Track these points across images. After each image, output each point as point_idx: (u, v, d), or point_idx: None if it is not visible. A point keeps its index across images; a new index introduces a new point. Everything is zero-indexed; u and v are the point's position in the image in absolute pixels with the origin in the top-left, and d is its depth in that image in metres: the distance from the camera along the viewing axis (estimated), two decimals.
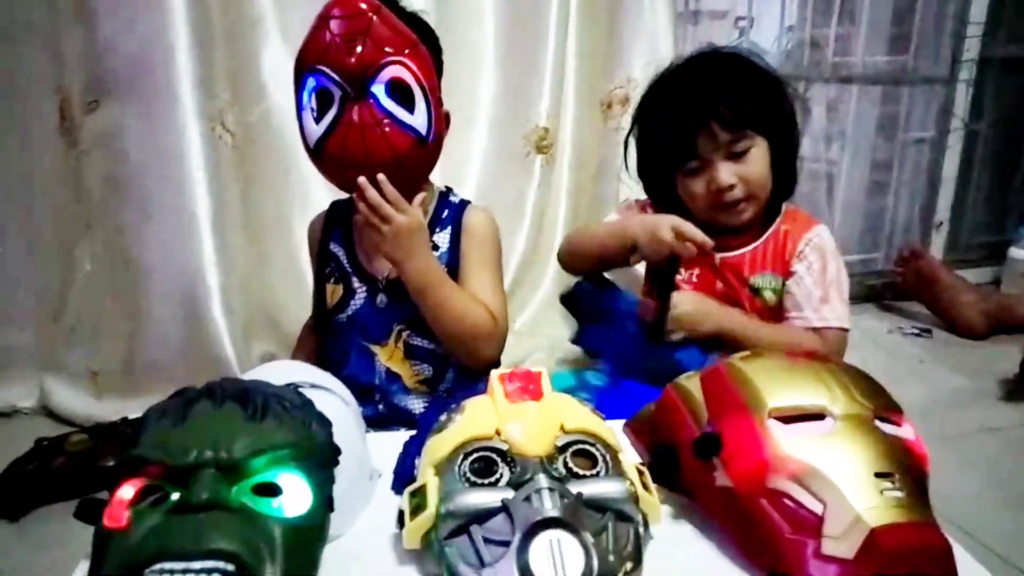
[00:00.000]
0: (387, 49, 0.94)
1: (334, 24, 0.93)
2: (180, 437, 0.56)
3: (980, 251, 2.61)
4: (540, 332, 1.92)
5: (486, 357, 1.07)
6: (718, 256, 1.13)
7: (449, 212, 1.10)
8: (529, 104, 1.86)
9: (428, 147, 0.99)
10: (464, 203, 1.13)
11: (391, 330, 1.08)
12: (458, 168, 1.81)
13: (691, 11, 2.13)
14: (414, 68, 0.96)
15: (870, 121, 2.41)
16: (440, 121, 1.00)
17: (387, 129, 0.95)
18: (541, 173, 1.90)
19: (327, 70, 0.95)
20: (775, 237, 1.14)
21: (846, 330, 1.11)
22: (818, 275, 1.11)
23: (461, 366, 1.11)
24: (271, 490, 0.55)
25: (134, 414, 1.46)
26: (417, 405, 1.10)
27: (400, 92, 0.96)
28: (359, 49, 0.93)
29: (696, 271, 1.15)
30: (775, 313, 1.13)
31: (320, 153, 0.98)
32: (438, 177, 1.14)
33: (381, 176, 0.95)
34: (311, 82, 0.96)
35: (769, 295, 1.13)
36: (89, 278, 1.65)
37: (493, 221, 1.13)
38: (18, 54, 1.58)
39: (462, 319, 1.03)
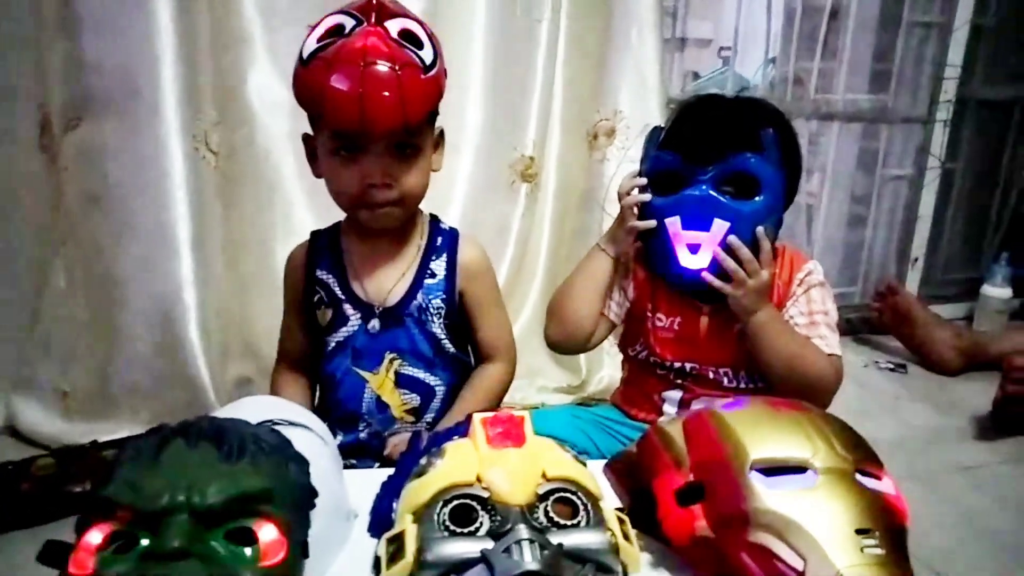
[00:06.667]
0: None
1: None
2: (152, 479, 0.54)
3: (954, 287, 2.64)
4: (521, 360, 1.90)
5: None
6: (706, 308, 1.13)
7: (443, 240, 1.11)
8: (515, 133, 1.85)
9: (431, 78, 0.97)
10: (454, 232, 1.13)
11: (383, 359, 1.08)
12: (443, 194, 1.80)
13: (678, 38, 2.16)
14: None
15: (850, 157, 2.45)
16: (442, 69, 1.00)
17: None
18: (526, 202, 1.90)
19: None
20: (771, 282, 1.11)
21: (839, 356, 1.11)
22: (808, 310, 1.12)
23: (449, 397, 1.11)
24: (245, 536, 0.54)
25: (105, 436, 1.42)
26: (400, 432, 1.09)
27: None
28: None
29: (678, 319, 1.14)
30: None
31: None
32: (423, 203, 1.13)
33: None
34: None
35: None
36: (63, 295, 1.61)
37: (485, 254, 1.15)
38: (2, 68, 1.56)
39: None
